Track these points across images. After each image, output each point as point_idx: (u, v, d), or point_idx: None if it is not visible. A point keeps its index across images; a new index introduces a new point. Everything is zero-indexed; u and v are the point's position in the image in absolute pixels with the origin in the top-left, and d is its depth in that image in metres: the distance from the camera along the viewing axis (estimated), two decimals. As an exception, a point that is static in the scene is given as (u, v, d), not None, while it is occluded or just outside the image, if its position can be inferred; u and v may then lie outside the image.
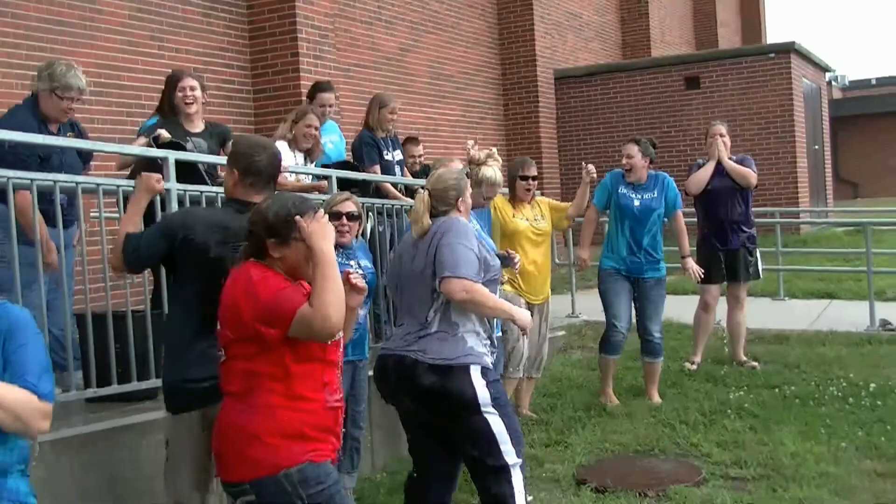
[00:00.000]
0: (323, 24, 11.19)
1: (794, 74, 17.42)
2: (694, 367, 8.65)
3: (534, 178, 7.14)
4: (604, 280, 7.77)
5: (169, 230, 4.10)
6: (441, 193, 4.74)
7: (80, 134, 6.11)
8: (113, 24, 9.39)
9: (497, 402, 4.48)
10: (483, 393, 4.43)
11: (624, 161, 7.81)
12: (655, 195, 7.72)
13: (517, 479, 4.46)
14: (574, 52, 19.46)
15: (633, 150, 7.77)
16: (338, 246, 5.34)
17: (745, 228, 8.66)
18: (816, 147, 19.63)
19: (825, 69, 21.00)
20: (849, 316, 10.49)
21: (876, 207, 20.50)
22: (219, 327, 3.49)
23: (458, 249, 4.49)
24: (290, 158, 6.99)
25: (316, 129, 7.28)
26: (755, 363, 8.66)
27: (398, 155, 8.47)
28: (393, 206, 7.42)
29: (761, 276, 8.99)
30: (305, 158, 7.27)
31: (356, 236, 5.67)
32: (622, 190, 7.79)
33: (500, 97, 17.20)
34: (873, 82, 38.51)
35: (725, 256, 8.62)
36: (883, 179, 31.93)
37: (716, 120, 9.51)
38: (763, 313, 10.51)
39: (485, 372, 4.50)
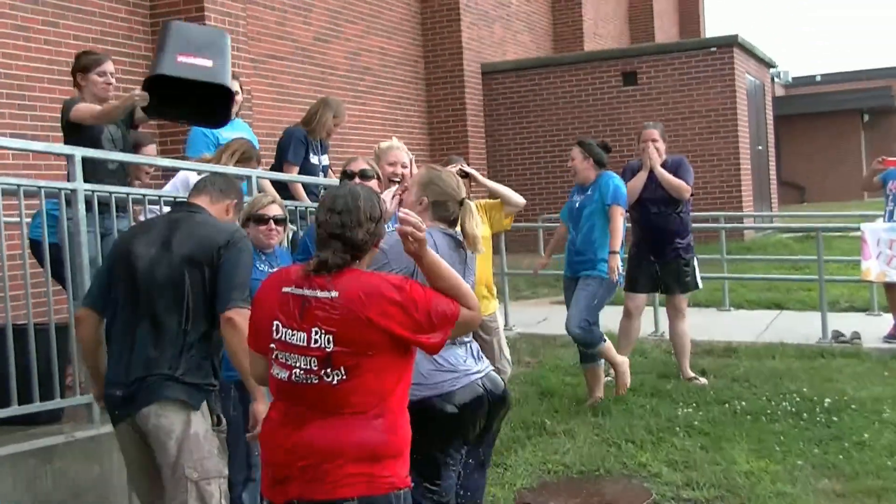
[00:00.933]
0: (233, 11, 11.15)
1: (738, 70, 17.78)
2: (611, 377, 8.85)
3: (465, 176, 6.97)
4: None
5: (114, 255, 4.43)
6: None
7: None
8: (2, 6, 9.23)
9: None
10: None
11: (569, 164, 8.15)
12: (590, 193, 8.02)
13: None
14: (502, 45, 19.63)
15: (575, 152, 8.17)
16: (262, 250, 5.36)
17: (679, 239, 8.82)
18: (760, 148, 20.04)
19: (769, 64, 21.49)
20: (799, 327, 10.74)
21: (824, 212, 20.97)
22: (332, 348, 3.38)
23: None
24: None
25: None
26: (703, 380, 8.83)
27: (325, 160, 8.54)
28: (307, 208, 7.46)
29: (700, 285, 9.19)
30: None
31: (280, 242, 5.68)
32: (573, 196, 8.24)
33: (423, 92, 17.27)
34: (818, 79, 39.36)
35: (660, 267, 8.81)
36: (829, 182, 32.66)
37: (650, 121, 9.70)
38: (709, 324, 10.71)
39: None
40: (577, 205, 8.09)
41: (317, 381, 3.37)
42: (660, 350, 9.53)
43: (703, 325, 9.85)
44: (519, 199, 7.25)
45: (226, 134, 7.56)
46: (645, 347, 9.82)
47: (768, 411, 7.78)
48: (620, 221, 7.95)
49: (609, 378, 8.83)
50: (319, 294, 3.38)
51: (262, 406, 4.37)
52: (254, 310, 3.60)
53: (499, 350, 7.19)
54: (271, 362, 3.47)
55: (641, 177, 8.77)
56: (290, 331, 3.40)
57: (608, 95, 18.20)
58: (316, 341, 3.35)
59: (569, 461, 6.89)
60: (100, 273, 4.54)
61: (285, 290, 3.44)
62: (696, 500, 6.11)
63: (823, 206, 27.64)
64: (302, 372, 3.39)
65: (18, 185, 5.40)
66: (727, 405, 7.98)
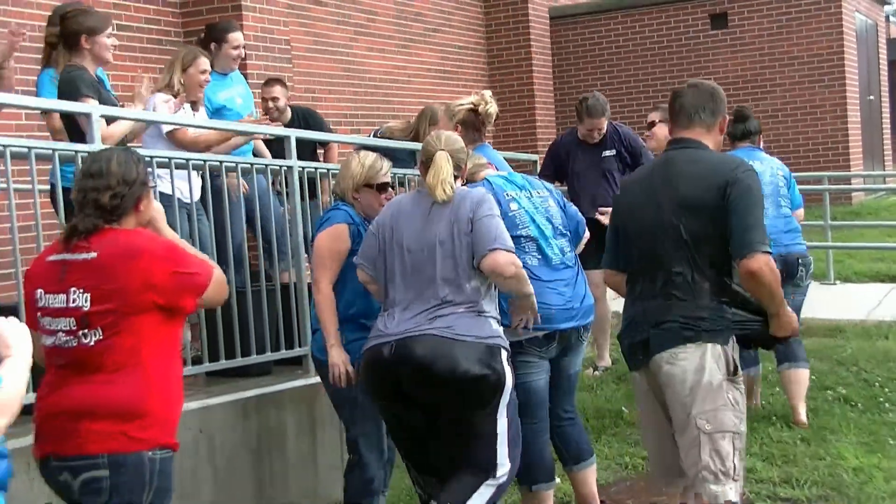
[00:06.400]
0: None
1: (846, 9, 17.53)
2: (597, 372, 8.87)
3: None
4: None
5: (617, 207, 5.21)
6: (456, 155, 5.10)
7: None
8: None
9: (512, 399, 4.94)
10: (509, 383, 4.88)
11: None
12: None
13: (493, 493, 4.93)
14: (574, -15, 19.51)
15: None
16: (370, 219, 5.54)
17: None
18: (871, 98, 19.79)
19: (884, 1, 21.14)
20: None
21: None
22: (89, 308, 3.91)
23: (498, 222, 4.92)
24: (181, 112, 7.23)
25: (209, 73, 7.52)
26: (596, 372, 8.86)
27: None
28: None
29: None
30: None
31: None
32: None
33: (483, 41, 17.19)
34: (947, 15, 38.43)
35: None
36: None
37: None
38: (810, 300, 10.52)
39: (510, 361, 4.93)
40: None
41: (75, 343, 3.89)
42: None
43: (805, 300, 9.77)
44: None
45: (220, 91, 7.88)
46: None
47: (880, 399, 7.75)
48: None
49: (598, 372, 8.79)
50: (78, 256, 3.90)
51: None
52: (24, 285, 4.17)
53: None
54: (41, 333, 3.93)
55: None
56: (51, 296, 3.93)
57: (694, 41, 18.01)
58: (74, 300, 3.88)
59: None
60: (611, 230, 5.12)
61: (49, 259, 4.01)
62: (796, 500, 6.10)
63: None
64: (63, 334, 3.90)
65: (30, 148, 5.48)
66: (831, 392, 7.95)
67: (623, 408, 7.76)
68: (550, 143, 9.66)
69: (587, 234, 6.02)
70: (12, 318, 3.29)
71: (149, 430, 3.90)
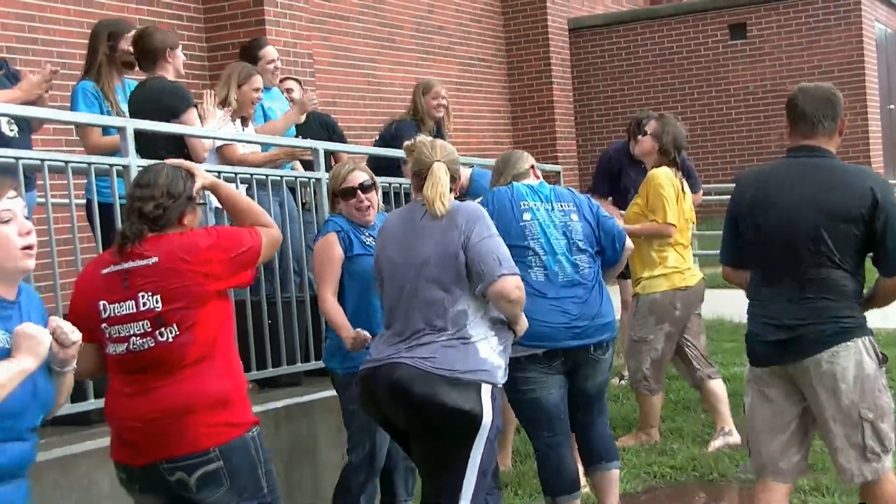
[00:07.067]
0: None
1: (865, 18, 17.53)
2: (622, 382, 8.80)
3: None
4: None
5: (740, 205, 5.14)
6: (452, 166, 4.91)
7: (11, 75, 6.34)
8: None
9: (492, 434, 4.72)
10: (487, 420, 4.64)
11: None
12: None
13: None
14: (592, -3, 19.56)
15: None
16: (363, 225, 5.59)
17: None
18: (892, 107, 19.77)
19: (904, 10, 21.13)
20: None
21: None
22: (161, 307, 4.06)
23: (500, 243, 4.72)
24: (231, 128, 7.26)
25: (261, 91, 7.62)
26: (622, 381, 8.82)
27: None
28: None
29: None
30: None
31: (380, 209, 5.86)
32: None
33: (503, 53, 17.25)
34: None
35: None
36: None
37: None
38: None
39: (494, 394, 4.70)
40: None
41: (153, 343, 4.05)
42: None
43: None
44: None
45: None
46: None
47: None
48: None
49: (624, 381, 8.75)
50: (139, 263, 4.06)
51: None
52: (74, 302, 4.23)
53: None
54: (105, 344, 4.12)
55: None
56: (117, 305, 4.07)
57: (713, 51, 18.04)
58: (145, 304, 4.04)
59: (678, 463, 6.92)
60: (729, 227, 5.17)
61: (104, 272, 4.13)
62: (827, 508, 6.08)
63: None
64: (138, 338, 4.05)
65: (66, 162, 5.55)
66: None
67: (650, 417, 7.75)
68: (599, 158, 9.51)
69: (630, 247, 5.99)
70: (39, 327, 3.43)
71: (241, 413, 4.19)
